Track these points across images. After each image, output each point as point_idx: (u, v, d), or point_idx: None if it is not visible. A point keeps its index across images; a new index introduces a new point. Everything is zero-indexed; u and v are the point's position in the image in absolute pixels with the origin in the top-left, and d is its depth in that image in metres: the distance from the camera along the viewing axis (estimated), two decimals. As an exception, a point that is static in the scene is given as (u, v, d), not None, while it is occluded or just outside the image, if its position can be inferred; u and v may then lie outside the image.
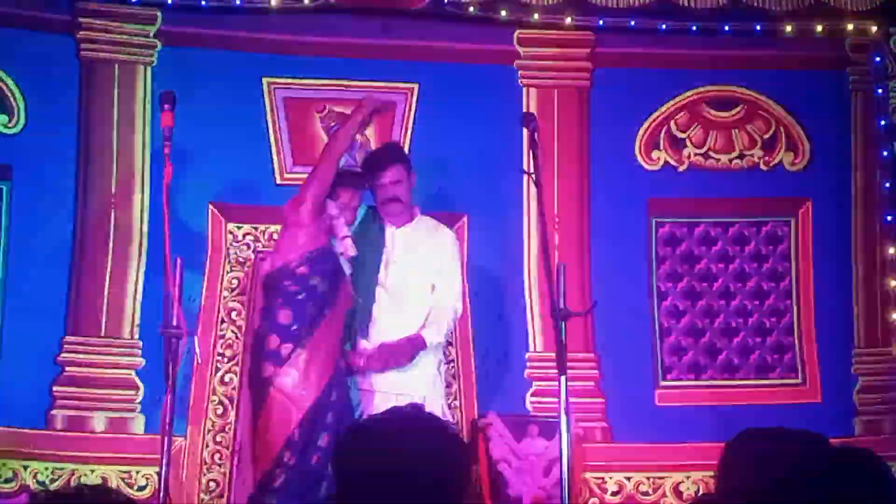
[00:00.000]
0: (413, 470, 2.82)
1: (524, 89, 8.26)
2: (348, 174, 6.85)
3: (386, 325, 6.87)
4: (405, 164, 7.01)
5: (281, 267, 6.64)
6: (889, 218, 8.20)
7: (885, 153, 8.20)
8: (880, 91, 8.35)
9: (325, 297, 6.63)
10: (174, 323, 5.57)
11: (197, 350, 5.74)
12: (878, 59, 8.38)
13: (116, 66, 7.88)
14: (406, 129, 8.10)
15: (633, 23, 8.27)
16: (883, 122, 8.21)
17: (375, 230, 7.01)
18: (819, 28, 8.40)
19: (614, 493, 8.00)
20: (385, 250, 6.96)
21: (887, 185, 8.21)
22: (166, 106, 6.04)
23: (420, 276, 6.93)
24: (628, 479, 8.01)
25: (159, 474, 5.74)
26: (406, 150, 7.91)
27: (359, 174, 6.92)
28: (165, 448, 5.59)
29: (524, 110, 7.81)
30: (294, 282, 6.60)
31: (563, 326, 5.70)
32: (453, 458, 2.91)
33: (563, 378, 5.60)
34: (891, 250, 8.19)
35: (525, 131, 6.40)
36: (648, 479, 7.98)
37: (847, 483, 3.34)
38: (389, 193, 6.92)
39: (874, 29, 8.42)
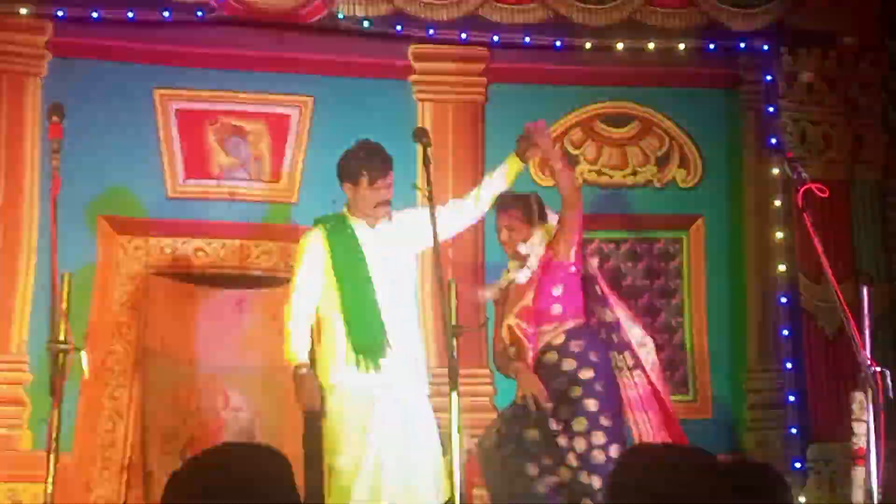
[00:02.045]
0: (243, 487, 2.82)
1: (419, 104, 8.27)
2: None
3: (394, 324, 6.49)
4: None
5: None
6: (780, 235, 8.28)
7: (776, 171, 8.29)
8: (771, 109, 8.45)
9: None
10: (61, 337, 5.48)
11: (85, 365, 5.63)
12: (769, 78, 8.48)
13: (4, 77, 7.76)
14: (301, 141, 8.08)
15: (527, 39, 8.30)
16: (774, 140, 8.30)
17: (348, 234, 6.60)
18: (712, 47, 8.48)
19: (508, 509, 7.99)
20: (366, 250, 6.56)
21: (777, 202, 8.30)
22: (54, 118, 5.93)
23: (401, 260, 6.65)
24: (522, 494, 8.01)
25: (46, 493, 5.63)
26: (299, 163, 7.93)
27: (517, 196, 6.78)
28: (52, 464, 5.48)
29: (418, 125, 7.79)
30: None
31: (455, 342, 5.68)
32: (280, 474, 2.91)
33: (453, 394, 5.57)
34: (781, 267, 8.28)
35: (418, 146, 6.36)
36: (543, 494, 7.96)
37: (737, 495, 3.35)
38: (387, 197, 6.57)
39: (766, 48, 8.51)
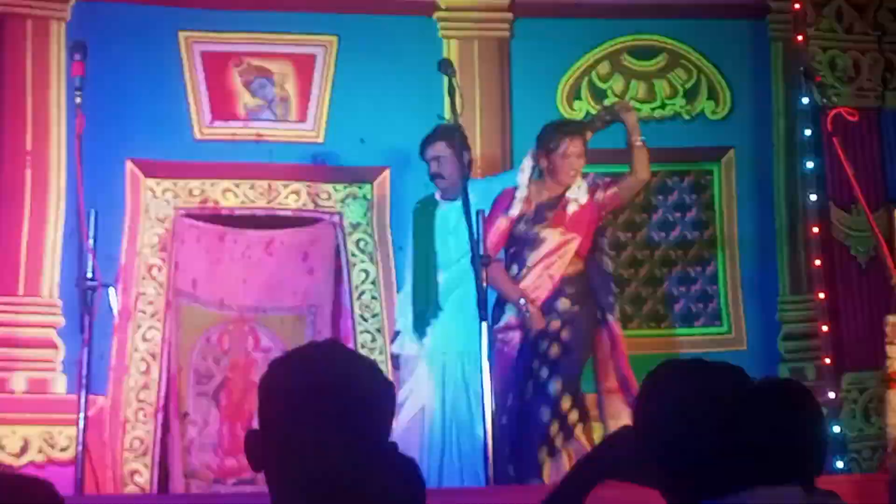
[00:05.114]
0: (343, 392, 2.75)
1: (444, 41, 8.22)
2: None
3: (451, 299, 7.07)
4: (447, 142, 7.07)
5: None
6: (810, 165, 8.21)
7: (805, 100, 8.21)
8: (800, 38, 8.35)
9: None
10: (89, 275, 5.49)
11: (113, 302, 5.65)
12: (797, 6, 8.38)
13: (29, 21, 7.74)
14: (326, 81, 8.04)
15: (552, -28, 8.25)
16: (802, 67, 8.21)
17: (430, 210, 7.29)
18: (739, -24, 8.42)
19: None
20: (439, 224, 7.19)
21: (807, 131, 8.22)
22: (77, 56, 5.96)
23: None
24: (556, 428, 8.00)
25: (78, 431, 5.66)
26: (325, 103, 7.92)
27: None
28: (83, 400, 5.50)
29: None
30: None
31: (484, 272, 5.70)
32: (379, 385, 2.84)
33: (483, 324, 5.61)
34: (812, 197, 8.21)
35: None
36: (577, 427, 7.94)
37: (767, 409, 3.33)
38: (433, 169, 7.20)
39: (793, -24, 8.43)
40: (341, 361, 2.81)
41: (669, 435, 3.15)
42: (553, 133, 6.96)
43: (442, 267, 7.14)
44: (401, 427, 6.95)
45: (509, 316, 6.85)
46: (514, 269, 6.91)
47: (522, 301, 6.77)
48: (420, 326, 7.11)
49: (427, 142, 7.21)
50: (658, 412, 3.23)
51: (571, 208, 6.95)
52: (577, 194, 6.97)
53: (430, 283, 7.12)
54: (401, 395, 7.05)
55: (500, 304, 6.86)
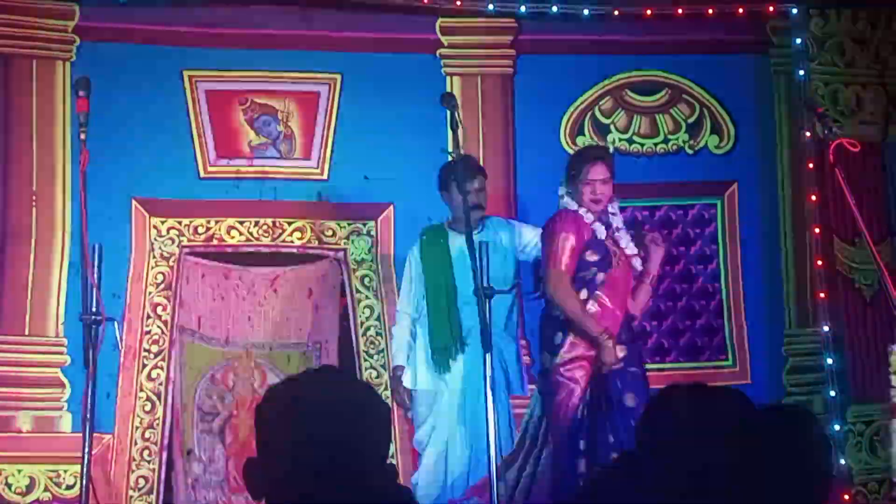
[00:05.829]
0: (340, 415, 2.76)
1: (448, 78, 8.24)
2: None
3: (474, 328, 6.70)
4: (483, 174, 7.17)
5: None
6: (814, 198, 8.23)
7: (808, 133, 8.24)
8: (802, 73, 8.38)
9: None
10: (93, 309, 5.49)
11: (118, 336, 5.65)
12: (798, 41, 8.42)
13: (34, 62, 7.78)
14: (330, 118, 8.07)
15: (555, 8, 8.27)
16: (803, 101, 8.24)
17: (441, 243, 7.11)
18: (741, 11, 8.43)
19: (544, 474, 7.97)
20: (456, 259, 6.99)
21: (811, 165, 8.24)
22: (81, 92, 5.97)
23: (500, 270, 6.78)
24: (560, 462, 7.98)
25: (83, 465, 5.65)
26: (329, 140, 7.96)
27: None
28: (87, 437, 5.49)
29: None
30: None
31: (488, 305, 5.70)
32: (376, 408, 2.85)
33: (487, 356, 5.61)
34: (816, 230, 8.22)
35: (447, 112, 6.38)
36: (581, 462, 7.92)
37: (773, 433, 3.33)
38: (475, 201, 6.86)
39: (795, 11, 8.45)
40: (337, 386, 2.83)
41: (673, 457, 3.15)
42: (575, 159, 6.85)
43: (462, 301, 6.93)
44: (428, 465, 6.93)
45: (580, 348, 6.58)
46: (584, 293, 6.63)
47: (601, 333, 6.50)
48: (442, 362, 6.96)
49: (470, 173, 6.85)
50: (662, 435, 3.23)
51: (626, 245, 6.80)
52: (628, 244, 6.81)
53: (452, 318, 6.97)
54: (422, 433, 7.02)
55: (558, 329, 6.65)
